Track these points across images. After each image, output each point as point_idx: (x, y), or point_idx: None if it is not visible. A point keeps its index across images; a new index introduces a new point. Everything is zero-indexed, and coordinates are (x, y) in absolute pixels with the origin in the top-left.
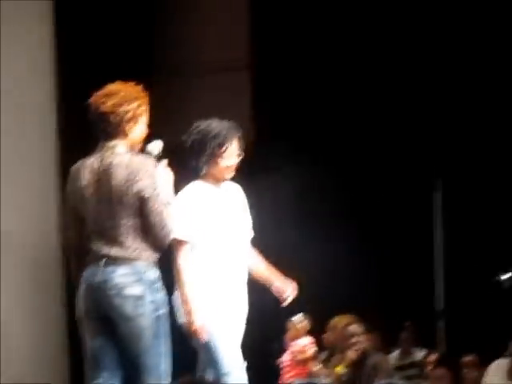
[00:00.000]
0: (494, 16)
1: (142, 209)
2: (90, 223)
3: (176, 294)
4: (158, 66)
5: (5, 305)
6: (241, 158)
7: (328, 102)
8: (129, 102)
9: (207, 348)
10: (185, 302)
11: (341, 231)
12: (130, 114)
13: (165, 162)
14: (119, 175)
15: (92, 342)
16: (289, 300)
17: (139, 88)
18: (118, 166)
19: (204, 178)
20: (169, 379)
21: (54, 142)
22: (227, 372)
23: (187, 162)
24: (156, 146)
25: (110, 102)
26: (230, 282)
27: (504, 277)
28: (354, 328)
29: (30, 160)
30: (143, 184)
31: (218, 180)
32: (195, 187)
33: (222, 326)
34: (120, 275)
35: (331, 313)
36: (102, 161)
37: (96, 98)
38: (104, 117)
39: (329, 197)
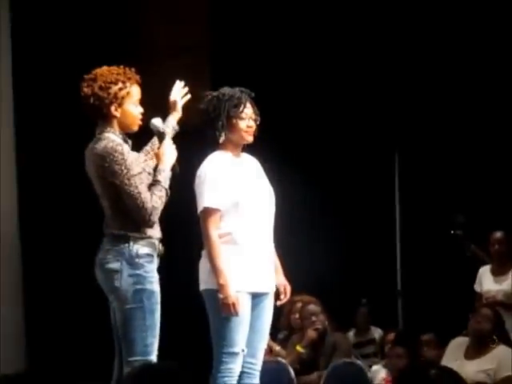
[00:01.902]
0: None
1: (117, 193)
2: (100, 201)
3: (202, 261)
4: (117, 52)
5: None
6: (258, 122)
7: (287, 80)
8: (110, 86)
9: (226, 323)
10: (219, 274)
11: (298, 207)
12: (111, 97)
13: (169, 137)
14: (95, 161)
15: (111, 314)
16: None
17: (127, 70)
18: (95, 152)
19: (224, 147)
20: (154, 353)
21: (12, 138)
22: (237, 353)
23: (205, 133)
24: (159, 121)
25: (91, 86)
26: (259, 253)
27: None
28: (313, 307)
29: None
30: (112, 170)
31: (238, 147)
32: (218, 156)
33: (248, 302)
34: (103, 251)
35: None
36: (91, 145)
37: (82, 82)
38: (86, 100)
39: (288, 170)
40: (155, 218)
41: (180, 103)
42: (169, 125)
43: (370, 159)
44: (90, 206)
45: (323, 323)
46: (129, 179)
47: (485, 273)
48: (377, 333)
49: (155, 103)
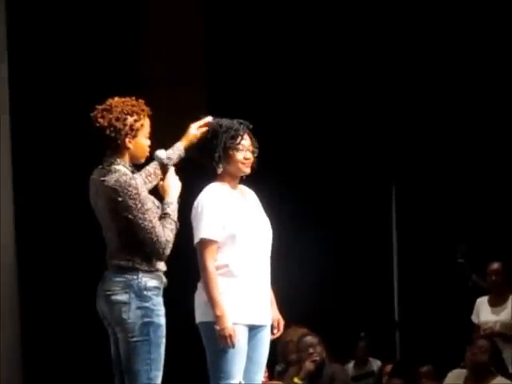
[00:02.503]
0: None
1: (130, 227)
2: (103, 231)
3: (198, 293)
4: (114, 83)
5: None
6: (256, 154)
7: (285, 110)
8: (126, 117)
9: (223, 355)
10: (216, 306)
11: (296, 240)
12: (127, 129)
13: (172, 169)
14: (107, 194)
15: (111, 347)
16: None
17: (139, 102)
18: (107, 185)
19: (221, 178)
20: None
21: (9, 153)
22: None
23: (202, 164)
24: (163, 153)
25: (107, 117)
26: (256, 286)
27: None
28: (310, 339)
29: None
30: (125, 205)
31: (235, 178)
32: (215, 188)
33: (245, 334)
34: (111, 282)
35: (287, 323)
36: (100, 175)
37: (95, 112)
38: (101, 131)
39: (285, 201)
40: (168, 251)
41: (195, 136)
42: (175, 150)
43: (367, 191)
44: (87, 234)
45: (321, 355)
46: (143, 213)
47: (482, 304)
48: (376, 365)
49: (153, 134)
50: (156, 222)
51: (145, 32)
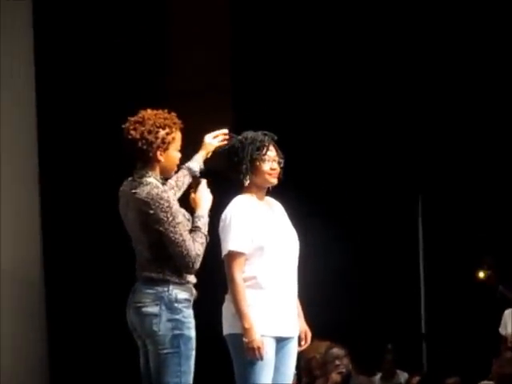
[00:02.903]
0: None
1: (161, 240)
2: (132, 242)
3: (226, 305)
4: (141, 92)
5: None
6: (282, 165)
7: (310, 124)
8: (158, 130)
9: (250, 367)
10: (244, 318)
11: (322, 251)
12: (158, 141)
13: (204, 181)
14: (138, 206)
15: (141, 359)
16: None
17: (171, 115)
18: (138, 197)
19: (248, 190)
20: None
21: (37, 161)
22: None
23: (229, 177)
24: (196, 165)
25: (139, 129)
26: (283, 297)
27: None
28: (337, 351)
29: (14, 181)
30: (157, 218)
31: (262, 190)
32: (242, 199)
33: (272, 346)
34: (141, 294)
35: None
36: (130, 187)
37: (128, 124)
38: (133, 143)
39: (311, 215)
40: (198, 265)
41: (211, 145)
42: (195, 162)
43: (394, 202)
44: (116, 245)
45: (347, 367)
46: (174, 227)
47: (510, 315)
48: (403, 377)
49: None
50: (186, 236)
51: (172, 43)
